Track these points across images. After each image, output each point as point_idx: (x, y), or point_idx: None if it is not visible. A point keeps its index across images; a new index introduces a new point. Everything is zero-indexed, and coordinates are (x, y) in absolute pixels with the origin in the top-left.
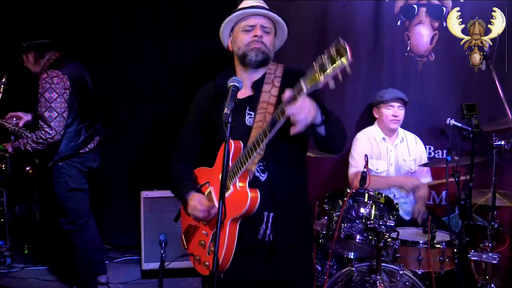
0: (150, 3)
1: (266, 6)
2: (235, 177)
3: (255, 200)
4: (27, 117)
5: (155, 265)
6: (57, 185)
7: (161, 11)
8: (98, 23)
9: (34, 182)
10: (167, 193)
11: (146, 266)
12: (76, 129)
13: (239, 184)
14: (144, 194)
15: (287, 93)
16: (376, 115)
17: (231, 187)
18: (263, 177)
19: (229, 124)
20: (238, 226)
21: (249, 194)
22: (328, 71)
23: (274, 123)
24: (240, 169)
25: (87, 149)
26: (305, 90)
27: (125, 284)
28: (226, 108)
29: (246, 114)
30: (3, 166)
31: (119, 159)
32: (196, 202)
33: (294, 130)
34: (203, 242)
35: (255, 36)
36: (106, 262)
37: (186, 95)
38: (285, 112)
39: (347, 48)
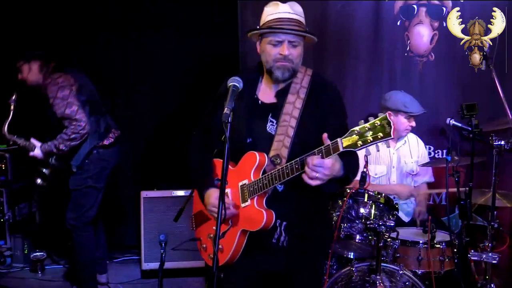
0: (151, 3)
1: (295, 15)
2: (255, 193)
3: (269, 221)
4: (37, 150)
5: (155, 265)
6: (77, 180)
7: (162, 10)
8: (98, 23)
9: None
10: (167, 193)
11: (146, 266)
12: (94, 120)
13: (257, 201)
14: (144, 194)
15: (324, 140)
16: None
17: (249, 201)
18: (280, 187)
19: (229, 124)
20: (247, 235)
21: (265, 216)
22: (368, 141)
23: (299, 167)
24: (261, 190)
25: (107, 143)
26: (341, 149)
27: (125, 284)
28: (226, 108)
29: (269, 121)
30: (3, 166)
31: (119, 159)
32: (214, 199)
33: (308, 182)
34: (211, 235)
35: (282, 54)
36: (106, 262)
37: (186, 95)
38: (313, 163)
39: (392, 124)
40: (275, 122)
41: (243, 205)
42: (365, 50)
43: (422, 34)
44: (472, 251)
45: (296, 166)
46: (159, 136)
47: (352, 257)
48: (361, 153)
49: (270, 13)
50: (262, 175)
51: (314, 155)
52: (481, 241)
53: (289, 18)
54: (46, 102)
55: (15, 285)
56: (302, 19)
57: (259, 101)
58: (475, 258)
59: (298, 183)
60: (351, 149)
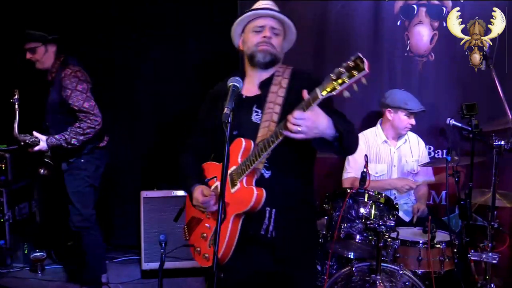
0: (151, 3)
1: (277, 9)
2: (243, 174)
3: (260, 198)
4: (43, 144)
5: (155, 265)
6: (77, 181)
7: (162, 10)
8: (98, 23)
9: (41, 182)
10: (167, 193)
11: (146, 266)
12: None
13: (246, 181)
14: (144, 194)
15: (304, 96)
16: (389, 117)
17: (238, 183)
18: (267, 174)
19: (229, 124)
20: (241, 221)
21: (255, 192)
22: (344, 80)
23: (281, 133)
24: (249, 168)
25: (101, 146)
26: (320, 97)
27: (125, 284)
28: (226, 108)
29: (253, 112)
30: (3, 166)
31: (119, 159)
32: (198, 193)
33: (292, 136)
34: (205, 234)
35: (264, 37)
36: (106, 262)
37: (186, 95)
38: (293, 115)
39: (365, 60)
40: (260, 112)
41: (233, 190)
42: (365, 50)
43: (422, 34)
44: (472, 251)
45: (280, 131)
46: (159, 136)
47: (352, 257)
48: (361, 153)
49: (253, 7)
50: None
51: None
52: (481, 241)
53: (270, 8)
54: (52, 92)
55: (15, 285)
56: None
57: (243, 96)
58: (475, 258)
59: (284, 167)
60: (331, 94)
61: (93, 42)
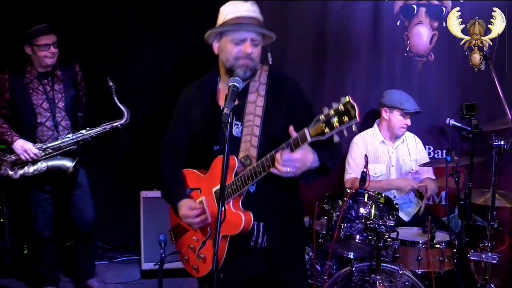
0: (151, 3)
1: (255, 14)
2: (230, 197)
3: (248, 222)
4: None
5: (154, 265)
6: (88, 181)
7: (162, 10)
8: (98, 23)
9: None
10: None
11: (146, 266)
12: None
13: (233, 204)
14: (144, 194)
15: (292, 133)
16: (385, 117)
17: (225, 205)
18: (252, 188)
19: (228, 124)
20: (228, 238)
21: (243, 218)
22: (334, 127)
23: (270, 164)
24: (236, 192)
25: None
26: (309, 139)
27: (125, 284)
28: (226, 108)
29: (233, 125)
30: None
31: (118, 159)
32: (187, 210)
33: (280, 175)
34: (192, 246)
35: (245, 52)
36: (106, 262)
37: None
38: (282, 158)
39: (356, 107)
40: (240, 124)
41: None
42: (365, 50)
43: (422, 34)
44: (472, 251)
45: (267, 163)
46: (159, 136)
47: (352, 257)
48: (360, 154)
49: (230, 11)
50: (234, 177)
51: (283, 150)
52: (480, 241)
53: (250, 17)
54: (65, 89)
55: (15, 285)
56: (261, 18)
57: (221, 107)
58: (475, 258)
59: (269, 181)
60: (319, 138)
61: (91, 42)
